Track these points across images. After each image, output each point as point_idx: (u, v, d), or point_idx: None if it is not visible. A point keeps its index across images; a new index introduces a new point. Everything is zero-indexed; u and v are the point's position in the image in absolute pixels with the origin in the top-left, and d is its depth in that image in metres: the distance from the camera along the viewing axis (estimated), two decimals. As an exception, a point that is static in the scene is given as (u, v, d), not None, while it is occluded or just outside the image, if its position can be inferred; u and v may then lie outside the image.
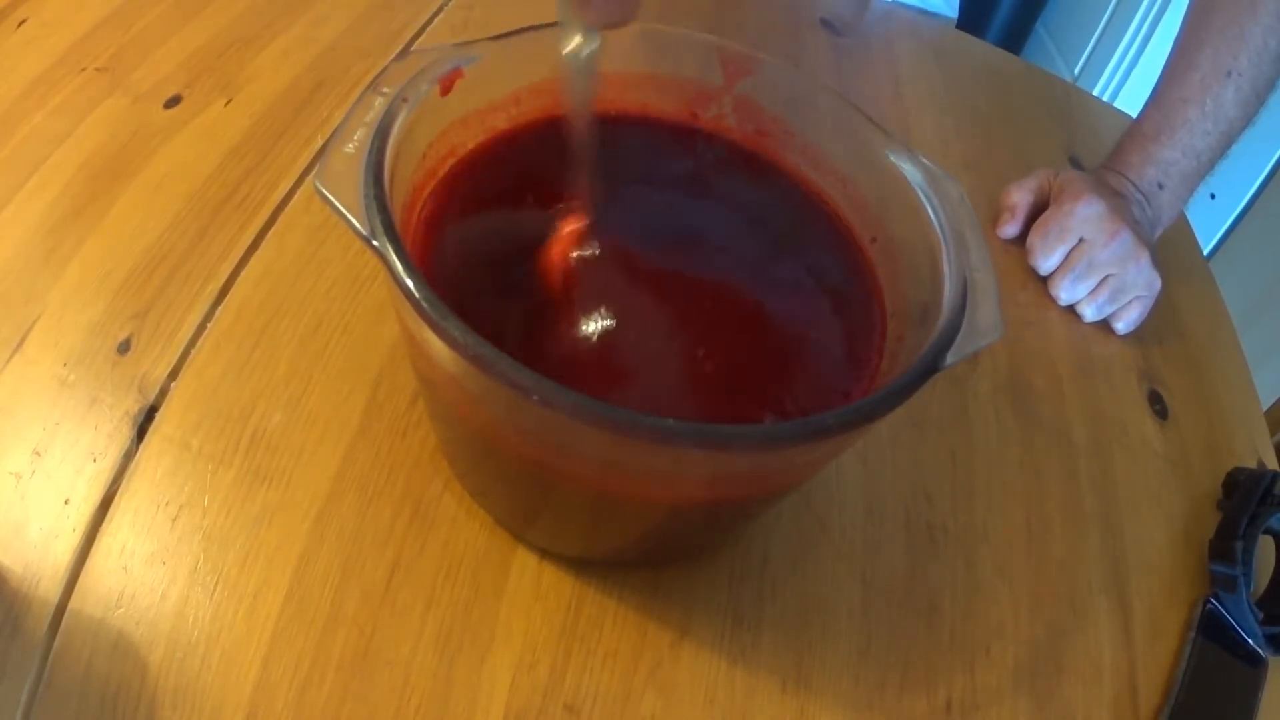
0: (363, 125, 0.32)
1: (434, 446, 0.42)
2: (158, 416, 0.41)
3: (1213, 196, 1.39)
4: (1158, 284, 0.61)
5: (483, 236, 0.37)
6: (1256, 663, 0.45)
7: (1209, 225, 1.42)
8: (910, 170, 0.38)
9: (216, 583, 0.36)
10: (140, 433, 0.40)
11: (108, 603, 0.35)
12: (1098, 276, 0.60)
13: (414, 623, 0.37)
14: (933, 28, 0.87)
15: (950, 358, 0.31)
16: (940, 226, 0.36)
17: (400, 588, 0.38)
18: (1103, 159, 0.68)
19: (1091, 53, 1.75)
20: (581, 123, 0.37)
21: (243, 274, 0.47)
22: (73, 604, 0.35)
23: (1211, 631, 0.45)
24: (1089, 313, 0.61)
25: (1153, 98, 0.66)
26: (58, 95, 0.54)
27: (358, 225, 0.29)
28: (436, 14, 0.67)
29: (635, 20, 0.36)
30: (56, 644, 0.34)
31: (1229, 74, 0.60)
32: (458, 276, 0.35)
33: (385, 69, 0.34)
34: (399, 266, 0.28)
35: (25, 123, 0.52)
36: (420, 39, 0.65)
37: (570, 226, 0.37)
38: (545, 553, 0.40)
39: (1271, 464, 0.57)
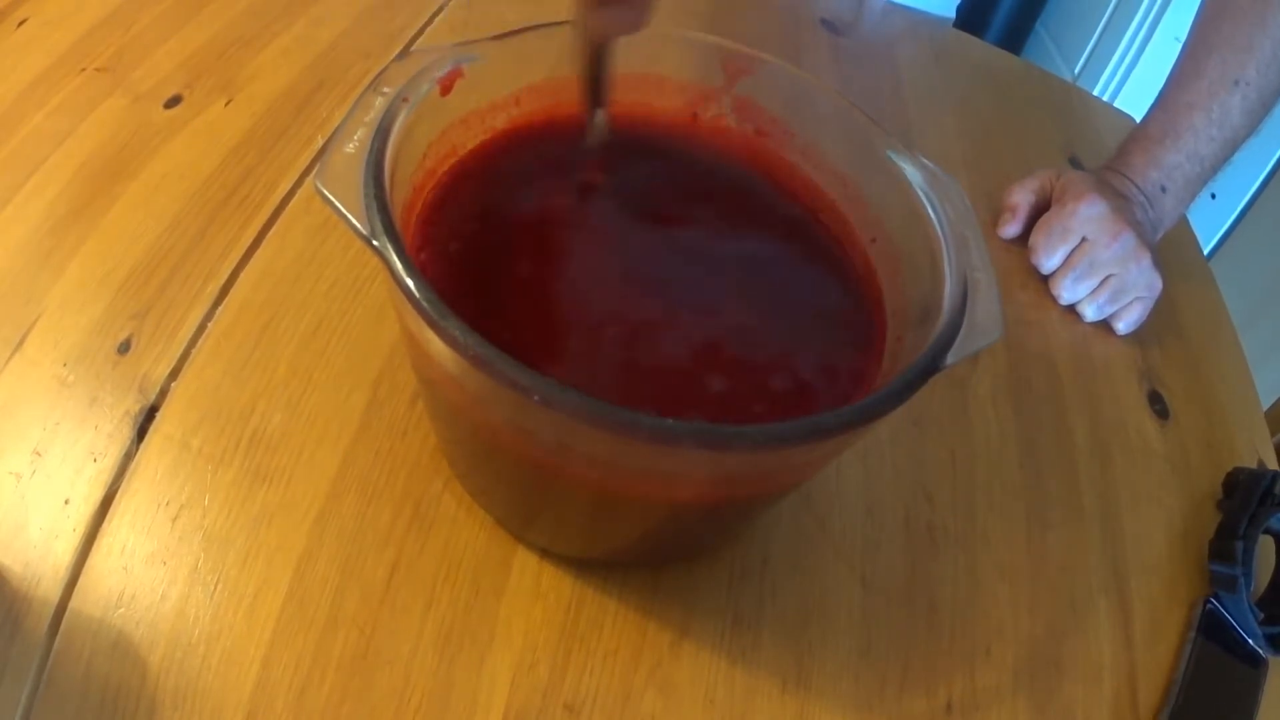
0: (363, 125, 0.32)
1: (434, 446, 0.42)
2: (158, 416, 0.41)
3: (1213, 197, 1.39)
4: (1159, 285, 0.61)
5: (483, 236, 0.37)
6: (1256, 663, 0.45)
7: (1209, 225, 1.42)
8: (910, 170, 0.38)
9: (216, 583, 0.36)
10: (140, 433, 0.40)
11: (108, 603, 0.35)
12: (1099, 276, 0.60)
13: (414, 623, 0.37)
14: (932, 27, 0.87)
15: (950, 358, 0.31)
16: (940, 226, 0.36)
17: (400, 588, 0.38)
18: (1103, 159, 0.68)
19: (1091, 53, 1.75)
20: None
21: (243, 274, 0.47)
22: (73, 604, 0.35)
23: (1211, 631, 0.45)
24: (1089, 313, 0.61)
25: (1159, 102, 0.66)
26: (58, 95, 0.54)
27: (358, 225, 0.29)
28: (436, 14, 0.67)
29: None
30: (56, 644, 0.34)
31: (1236, 83, 0.60)
32: (458, 276, 0.35)
33: (385, 69, 0.34)
34: (399, 266, 0.28)
35: (25, 123, 0.52)
36: (420, 39, 0.65)
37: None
38: (545, 553, 0.40)
39: (1271, 464, 0.57)
